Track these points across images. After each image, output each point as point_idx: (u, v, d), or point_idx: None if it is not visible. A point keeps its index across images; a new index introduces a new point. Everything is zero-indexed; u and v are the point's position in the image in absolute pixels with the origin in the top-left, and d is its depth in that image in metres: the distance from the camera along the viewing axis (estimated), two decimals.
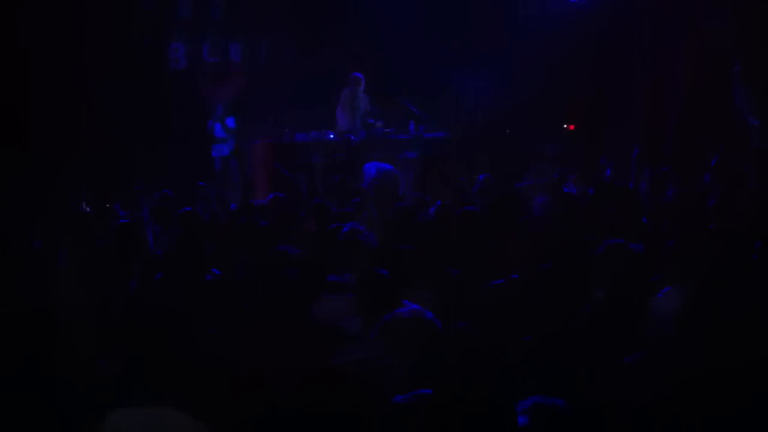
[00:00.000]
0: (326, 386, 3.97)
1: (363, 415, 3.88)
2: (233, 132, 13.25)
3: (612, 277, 4.69)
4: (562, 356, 3.94)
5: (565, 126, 14.13)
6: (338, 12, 13.53)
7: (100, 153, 11.32)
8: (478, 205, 7.87)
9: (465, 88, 13.61)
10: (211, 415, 3.62)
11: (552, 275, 4.81)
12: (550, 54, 13.00)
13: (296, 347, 4.17)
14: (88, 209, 9.00)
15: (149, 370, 3.58)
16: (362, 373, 4.11)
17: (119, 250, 6.33)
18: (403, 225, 6.88)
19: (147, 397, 3.36)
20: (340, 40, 13.54)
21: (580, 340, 4.09)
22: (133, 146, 11.55)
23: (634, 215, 6.34)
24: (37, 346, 3.74)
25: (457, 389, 3.09)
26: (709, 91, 11.49)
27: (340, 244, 5.96)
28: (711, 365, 3.65)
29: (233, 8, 13.77)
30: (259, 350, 4.16)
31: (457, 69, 13.60)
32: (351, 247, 5.88)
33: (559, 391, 3.59)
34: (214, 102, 13.10)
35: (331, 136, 12.54)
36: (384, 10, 13.03)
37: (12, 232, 7.02)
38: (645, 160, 10.01)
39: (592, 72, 13.14)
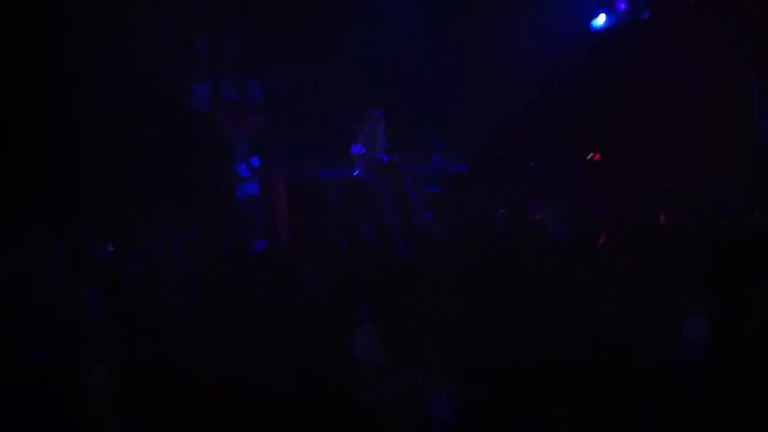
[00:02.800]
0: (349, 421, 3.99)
1: None
2: (258, 171, 13.33)
3: (636, 302, 4.66)
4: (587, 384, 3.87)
5: (589, 157, 14.10)
6: (360, 48, 13.59)
7: (124, 193, 11.42)
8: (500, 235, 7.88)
9: (488, 118, 13.62)
10: None
11: (574, 300, 4.76)
12: (573, 83, 13.04)
13: (320, 382, 4.18)
14: (110, 249, 9.02)
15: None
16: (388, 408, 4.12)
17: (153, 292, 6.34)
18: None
19: None
20: (360, 75, 13.58)
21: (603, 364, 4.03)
22: (156, 186, 11.65)
23: (655, 241, 6.30)
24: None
25: None
26: (731, 113, 11.49)
27: None
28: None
29: (255, 46, 13.90)
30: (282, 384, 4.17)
31: (480, 99, 13.66)
32: None
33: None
34: (238, 141, 13.20)
35: (357, 172, 12.55)
36: (401, 45, 13.13)
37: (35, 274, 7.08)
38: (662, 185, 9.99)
39: (615, 99, 13.15)
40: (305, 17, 13.60)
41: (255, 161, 13.32)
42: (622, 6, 13.73)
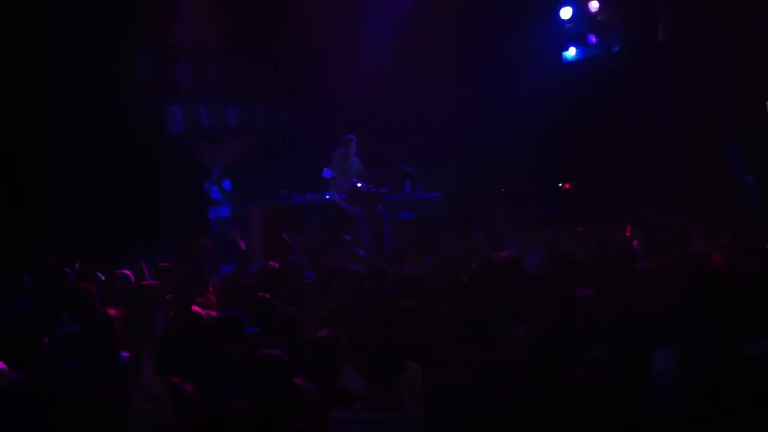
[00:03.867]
0: None
1: None
2: (230, 194, 13.31)
3: (612, 339, 4.70)
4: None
5: (560, 185, 14.23)
6: (333, 74, 13.63)
7: (97, 216, 11.34)
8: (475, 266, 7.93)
9: (459, 147, 13.70)
10: None
11: (547, 335, 4.79)
12: (544, 113, 13.16)
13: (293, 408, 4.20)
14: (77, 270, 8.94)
15: None
16: None
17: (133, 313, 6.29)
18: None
19: None
20: (335, 101, 13.61)
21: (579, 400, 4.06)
22: (129, 209, 11.59)
23: (632, 275, 6.37)
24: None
25: None
26: (702, 149, 11.65)
27: None
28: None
29: (230, 72, 13.93)
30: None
31: (452, 129, 13.76)
32: None
33: None
34: (211, 165, 13.19)
35: (328, 196, 12.56)
36: (379, 73, 13.18)
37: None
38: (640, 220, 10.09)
39: (586, 131, 13.31)
40: (284, 44, 13.65)
41: (227, 184, 13.30)
42: (593, 39, 13.93)
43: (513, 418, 3.87)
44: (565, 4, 13.94)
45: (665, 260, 7.08)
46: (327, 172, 12.32)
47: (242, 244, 11.05)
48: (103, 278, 8.19)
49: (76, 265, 9.23)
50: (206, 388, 4.43)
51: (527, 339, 4.85)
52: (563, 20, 14.00)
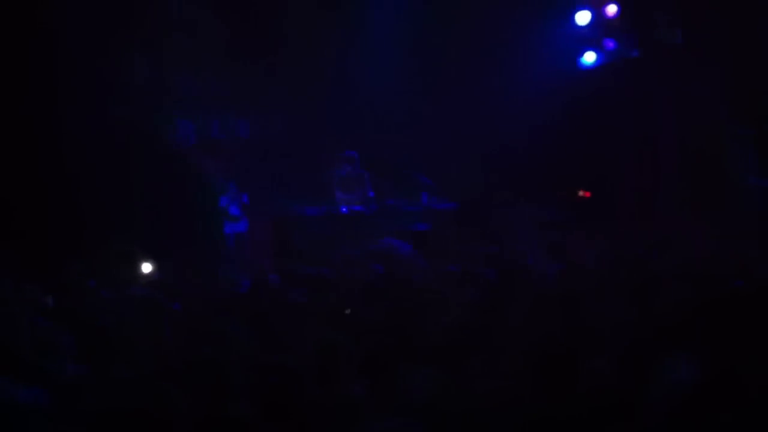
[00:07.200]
0: None
1: None
2: (247, 208, 13.25)
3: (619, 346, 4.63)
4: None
5: (580, 193, 14.08)
6: (345, 86, 13.59)
7: (111, 231, 11.33)
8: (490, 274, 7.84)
9: (474, 157, 13.61)
10: None
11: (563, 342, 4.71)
12: (556, 119, 13.04)
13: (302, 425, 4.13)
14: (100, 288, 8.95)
15: None
16: None
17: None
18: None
19: None
20: (347, 114, 13.55)
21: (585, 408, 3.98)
22: (143, 223, 11.58)
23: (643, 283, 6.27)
24: None
25: None
26: (708, 155, 11.53)
27: None
28: None
29: (241, 85, 13.91)
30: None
31: (466, 137, 13.65)
32: None
33: None
34: (225, 178, 13.17)
35: (344, 210, 12.49)
36: (390, 84, 13.14)
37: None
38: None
39: (597, 138, 13.17)
40: (290, 54, 13.63)
41: (245, 198, 13.25)
42: (610, 45, 13.74)
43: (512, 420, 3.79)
44: (582, 9, 13.72)
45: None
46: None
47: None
48: None
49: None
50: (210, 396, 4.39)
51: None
52: (579, 25, 13.79)
